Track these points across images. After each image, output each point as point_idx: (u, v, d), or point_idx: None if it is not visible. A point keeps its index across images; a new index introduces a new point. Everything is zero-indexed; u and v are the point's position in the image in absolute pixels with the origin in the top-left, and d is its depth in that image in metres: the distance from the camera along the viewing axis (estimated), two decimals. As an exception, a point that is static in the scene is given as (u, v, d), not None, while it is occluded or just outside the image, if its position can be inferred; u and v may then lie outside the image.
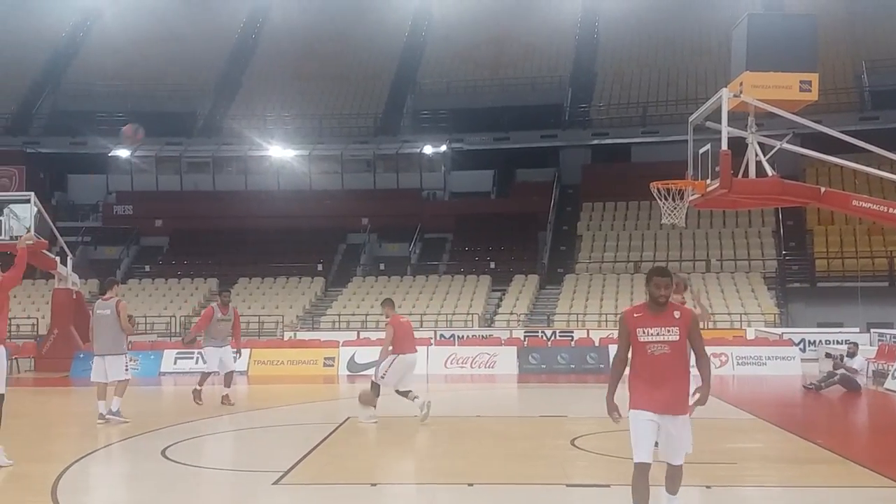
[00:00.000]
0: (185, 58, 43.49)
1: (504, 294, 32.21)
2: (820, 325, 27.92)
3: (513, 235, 36.62)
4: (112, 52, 44.07)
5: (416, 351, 12.67)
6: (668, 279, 6.14)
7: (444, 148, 39.94)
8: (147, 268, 37.42)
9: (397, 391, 12.44)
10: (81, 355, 20.06)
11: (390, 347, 12.33)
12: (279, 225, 37.28)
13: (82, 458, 9.98)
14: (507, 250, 36.28)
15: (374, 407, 12.36)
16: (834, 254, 31.98)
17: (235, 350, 14.69)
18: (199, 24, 45.52)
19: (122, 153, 39.82)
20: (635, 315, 6.17)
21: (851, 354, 17.08)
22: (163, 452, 10.11)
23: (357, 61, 44.63)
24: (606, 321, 28.91)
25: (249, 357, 21.22)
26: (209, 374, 14.53)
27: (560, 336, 26.16)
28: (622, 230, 36.07)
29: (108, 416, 12.20)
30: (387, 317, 12.84)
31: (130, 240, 39.26)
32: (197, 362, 19.20)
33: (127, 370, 12.54)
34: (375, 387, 12.45)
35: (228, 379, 14.38)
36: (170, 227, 39.21)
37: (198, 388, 14.17)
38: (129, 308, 13.30)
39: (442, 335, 26.63)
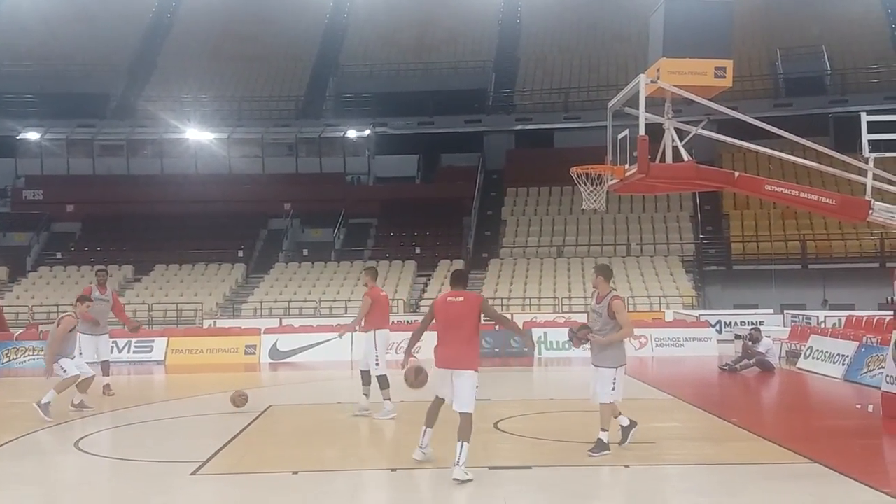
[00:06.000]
0: (98, 37, 42.05)
1: (429, 279, 32.20)
2: (736, 307, 28.70)
3: (438, 220, 36.60)
4: (21, 31, 42.31)
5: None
6: None
7: (367, 132, 39.63)
8: (59, 255, 36.08)
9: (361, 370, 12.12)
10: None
11: (362, 322, 12.00)
12: (197, 210, 36.41)
13: (-12, 452, 9.60)
14: (433, 235, 36.26)
15: (390, 399, 11.72)
16: (749, 237, 32.84)
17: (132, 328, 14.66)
18: (111, 2, 44.02)
19: (32, 135, 38.28)
20: None
21: (755, 340, 17.41)
22: (76, 444, 9.79)
23: (277, 42, 43.82)
24: (530, 305, 29.20)
25: (167, 346, 20.69)
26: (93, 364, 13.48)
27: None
28: (545, 215, 36.43)
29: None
30: (367, 286, 12.19)
31: (41, 226, 37.79)
32: (112, 351, 18.58)
33: None
34: (382, 379, 11.81)
35: (106, 368, 14.01)
36: (82, 212, 37.84)
37: (105, 381, 13.99)
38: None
39: (366, 321, 26.38)
